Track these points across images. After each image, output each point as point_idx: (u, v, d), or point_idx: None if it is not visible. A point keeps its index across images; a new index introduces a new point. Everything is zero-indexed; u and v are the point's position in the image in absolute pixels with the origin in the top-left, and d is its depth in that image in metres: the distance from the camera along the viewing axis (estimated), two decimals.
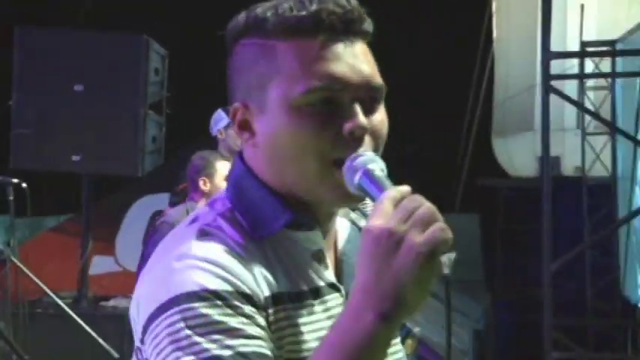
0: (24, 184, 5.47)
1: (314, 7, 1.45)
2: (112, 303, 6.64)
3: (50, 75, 6.26)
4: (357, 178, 1.42)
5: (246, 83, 1.51)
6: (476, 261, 9.31)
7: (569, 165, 9.18)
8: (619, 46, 8.69)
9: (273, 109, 1.47)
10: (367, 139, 1.45)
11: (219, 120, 5.95)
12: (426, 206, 1.32)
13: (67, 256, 7.02)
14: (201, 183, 5.42)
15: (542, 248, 6.56)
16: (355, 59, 1.46)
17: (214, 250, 1.43)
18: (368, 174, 1.41)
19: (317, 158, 1.45)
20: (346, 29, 1.46)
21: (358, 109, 1.45)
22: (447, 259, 1.30)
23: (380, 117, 1.48)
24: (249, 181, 1.53)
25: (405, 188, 1.36)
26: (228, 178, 1.60)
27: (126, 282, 7.52)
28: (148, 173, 6.57)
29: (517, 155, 9.58)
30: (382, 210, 1.33)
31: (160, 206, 6.91)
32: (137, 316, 1.47)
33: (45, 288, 5.74)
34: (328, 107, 1.44)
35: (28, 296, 6.08)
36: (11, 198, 5.42)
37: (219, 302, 1.37)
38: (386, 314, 1.31)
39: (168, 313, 1.38)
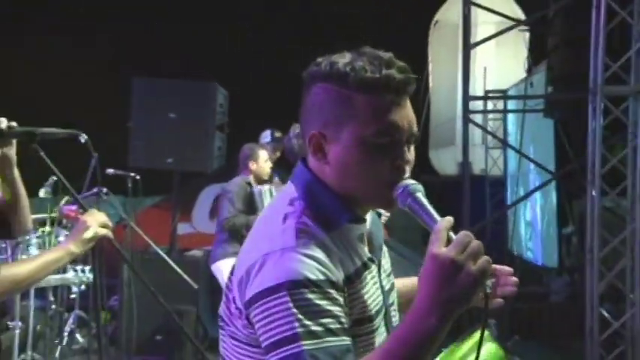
0: (137, 177, 5.46)
1: (384, 71, 1.35)
2: (191, 253, 6.60)
3: (155, 107, 6.23)
4: (408, 200, 1.35)
5: (324, 118, 1.37)
6: (419, 230, 9.30)
7: (477, 168, 9.19)
8: (508, 93, 8.71)
9: (347, 141, 1.35)
10: (407, 168, 1.38)
11: (265, 137, 5.95)
12: (475, 242, 1.25)
13: (161, 223, 6.95)
14: (250, 164, 5.43)
15: (461, 221, 6.56)
16: (408, 112, 1.38)
17: (310, 246, 1.30)
18: (415, 199, 1.35)
19: (376, 180, 1.36)
20: (404, 90, 1.37)
21: (406, 149, 1.38)
22: (490, 281, 1.27)
23: (413, 153, 1.41)
24: (319, 187, 1.39)
25: (450, 218, 1.29)
26: (294, 181, 1.42)
27: (199, 239, 7.50)
28: (214, 170, 6.56)
29: (444, 161, 9.58)
30: (442, 239, 1.25)
31: (220, 191, 6.87)
32: (238, 287, 1.32)
33: (152, 243, 5.71)
34: (388, 146, 1.35)
35: (138, 248, 6.07)
36: (130, 185, 5.41)
37: (316, 289, 1.26)
38: (443, 320, 1.24)
39: (281, 294, 1.25)
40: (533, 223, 8.47)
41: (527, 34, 8.24)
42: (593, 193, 4.81)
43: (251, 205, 5.21)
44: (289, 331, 1.24)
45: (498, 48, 9.15)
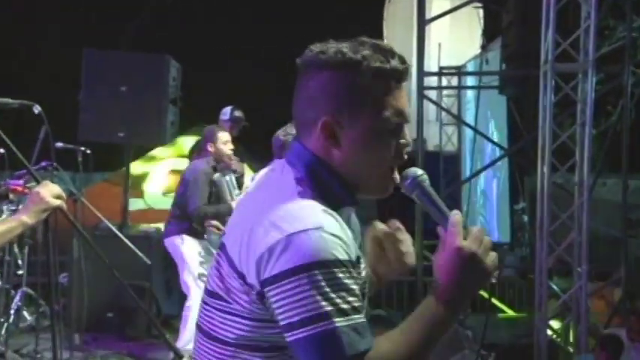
0: (88, 151, 5.41)
1: (392, 60, 1.42)
2: (143, 229, 6.59)
3: (105, 79, 6.18)
4: (416, 191, 1.46)
5: (337, 105, 1.39)
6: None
7: (431, 144, 9.30)
8: (463, 70, 8.84)
9: (363, 127, 1.38)
10: (407, 150, 1.47)
11: (224, 114, 5.93)
12: (488, 238, 1.39)
13: (112, 198, 6.92)
14: (208, 146, 5.43)
15: None
16: (407, 99, 1.46)
17: (335, 225, 1.31)
18: (424, 190, 1.48)
19: (382, 164, 1.41)
20: (405, 78, 1.44)
21: (407, 131, 1.45)
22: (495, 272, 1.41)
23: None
24: (325, 169, 1.40)
25: (458, 212, 1.43)
26: (292, 161, 1.42)
27: (151, 215, 7.48)
28: (167, 144, 6.54)
29: None
30: (458, 232, 1.37)
31: (174, 165, 6.86)
32: (256, 265, 1.30)
33: (103, 218, 5.70)
34: (397, 129, 1.41)
35: (89, 224, 6.03)
36: (80, 159, 5.36)
37: (344, 268, 1.28)
38: (459, 307, 1.37)
39: (312, 272, 1.26)
40: (486, 200, 8.66)
41: (482, 11, 8.35)
42: (544, 169, 4.97)
43: (216, 194, 5.25)
44: (321, 308, 1.25)
45: (453, 24, 9.25)
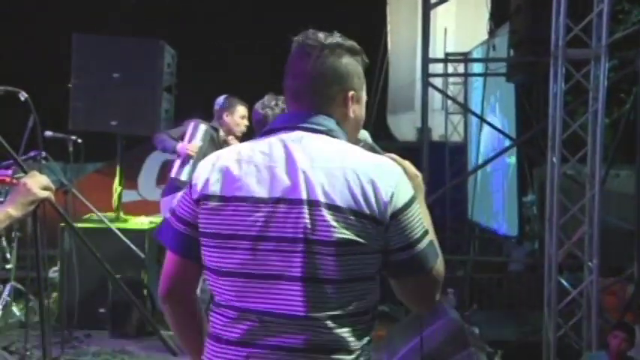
0: (79, 140, 5.39)
1: None
2: (135, 220, 6.58)
3: (97, 66, 6.15)
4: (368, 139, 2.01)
5: (354, 83, 1.80)
6: None
7: (436, 134, 9.28)
8: (469, 56, 8.81)
9: (361, 101, 1.84)
10: None
11: (218, 104, 5.90)
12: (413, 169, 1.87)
13: (104, 190, 6.89)
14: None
15: None
16: None
17: None
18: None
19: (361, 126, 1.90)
20: None
21: None
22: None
23: None
24: (341, 132, 1.76)
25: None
26: (330, 128, 1.76)
27: (145, 207, 7.46)
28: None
29: (403, 127, 9.64)
30: (405, 162, 1.84)
31: (168, 157, 6.83)
32: (384, 204, 1.65)
33: (95, 210, 5.69)
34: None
35: (80, 215, 6.02)
36: (71, 149, 5.34)
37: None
38: None
39: (413, 204, 1.69)
40: (494, 191, 8.65)
41: None
42: (553, 159, 4.95)
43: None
44: (424, 228, 1.71)
45: (459, 8, 9.21)
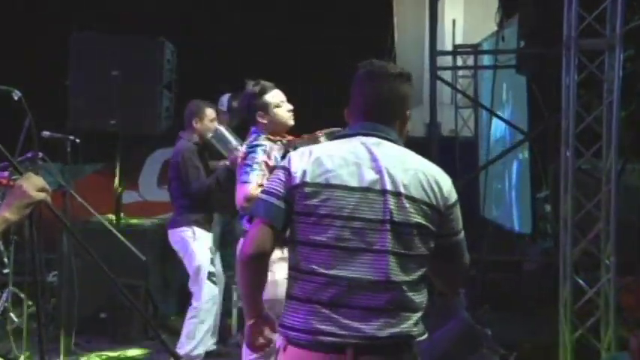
0: (77, 140, 5.39)
1: None
2: (137, 223, 6.58)
3: (95, 64, 6.18)
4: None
5: (409, 105, 2.42)
6: None
7: (446, 128, 9.25)
8: (479, 48, 8.78)
9: (410, 117, 2.44)
10: None
11: (221, 104, 5.89)
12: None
13: (104, 191, 6.91)
14: (194, 122, 5.37)
15: None
16: None
17: None
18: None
19: None
20: None
21: None
22: None
23: None
24: (401, 141, 2.38)
25: None
26: (394, 139, 2.33)
27: (146, 209, 7.47)
28: (162, 132, 6.52)
29: (411, 121, 9.64)
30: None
31: (169, 156, 6.81)
32: (447, 196, 2.26)
33: (94, 212, 5.69)
34: None
35: (79, 218, 6.02)
36: (69, 149, 5.34)
37: None
38: None
39: (458, 203, 2.30)
40: (506, 188, 8.62)
41: None
42: (567, 153, 4.92)
43: (211, 154, 5.21)
44: (461, 224, 2.31)
45: None
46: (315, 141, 3.43)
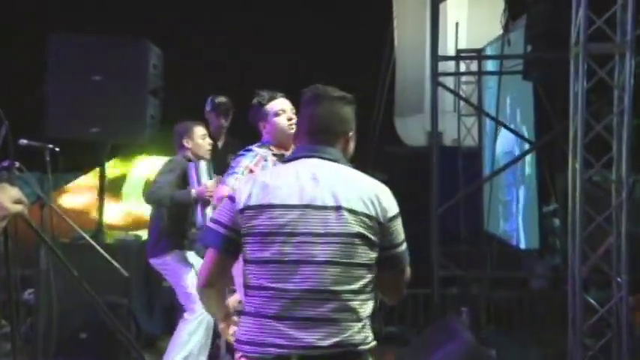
0: (57, 149, 5.39)
1: None
2: (121, 237, 6.56)
3: (75, 68, 6.17)
4: None
5: (351, 126, 2.70)
6: None
7: (448, 138, 9.27)
8: (483, 53, 8.80)
9: (353, 138, 2.73)
10: None
11: (207, 105, 5.93)
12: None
13: (85, 203, 6.90)
14: (185, 142, 5.46)
15: (431, 197, 6.65)
16: None
17: None
18: None
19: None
20: None
21: None
22: None
23: None
24: (344, 160, 2.64)
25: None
26: (338, 158, 2.63)
27: (131, 222, 7.47)
28: (147, 141, 6.53)
29: (411, 130, 9.65)
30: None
31: (154, 166, 6.84)
32: (387, 210, 2.50)
33: (75, 226, 5.68)
34: None
35: (59, 233, 6.00)
36: (48, 159, 5.34)
37: None
38: None
39: (399, 217, 2.54)
40: (512, 200, 8.63)
41: None
42: (576, 164, 4.93)
43: (184, 180, 5.26)
44: (403, 237, 2.57)
45: (472, 1, 9.22)
46: None
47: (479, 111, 8.60)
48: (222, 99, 6.05)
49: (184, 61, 7.99)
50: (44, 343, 5.46)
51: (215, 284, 2.62)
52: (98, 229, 6.42)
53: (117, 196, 8.09)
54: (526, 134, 7.48)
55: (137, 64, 6.22)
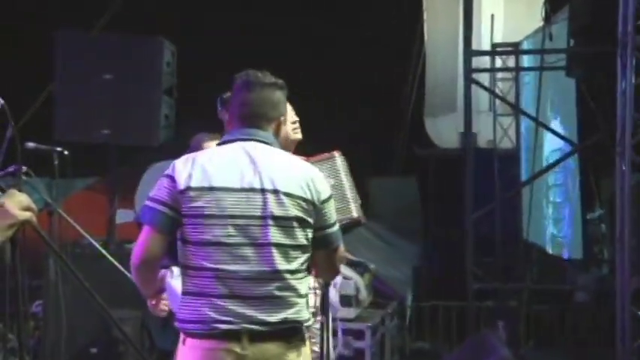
0: (65, 152, 5.43)
1: None
2: (132, 246, 6.60)
3: (85, 67, 6.21)
4: None
5: (283, 110, 2.97)
6: (415, 214, 9.41)
7: (482, 139, 9.24)
8: (521, 47, 8.77)
9: (286, 122, 3.15)
10: None
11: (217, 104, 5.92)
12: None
13: (95, 210, 6.95)
14: None
15: (464, 203, 6.64)
16: None
17: None
18: None
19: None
20: None
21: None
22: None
23: None
24: (277, 144, 2.92)
25: None
26: (272, 142, 2.88)
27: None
28: (161, 144, 6.56)
29: (443, 131, 9.63)
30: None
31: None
32: (315, 186, 2.80)
33: (85, 234, 5.71)
34: None
35: (68, 240, 6.05)
36: (56, 163, 5.38)
37: None
38: None
39: (332, 199, 2.89)
40: (553, 207, 8.58)
41: None
42: (623, 167, 4.90)
43: None
44: (335, 218, 2.90)
45: None
46: (332, 161, 3.55)
47: (516, 110, 8.57)
48: (230, 94, 6.05)
49: (200, 58, 8.02)
50: (53, 358, 5.51)
51: (151, 262, 2.79)
52: (109, 237, 6.46)
53: (129, 202, 8.12)
54: (568, 135, 7.43)
55: (150, 63, 6.27)
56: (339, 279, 6.40)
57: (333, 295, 5.33)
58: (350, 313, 6.14)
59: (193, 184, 2.70)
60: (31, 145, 5.14)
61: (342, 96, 9.30)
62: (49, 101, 6.31)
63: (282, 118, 2.96)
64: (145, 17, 7.94)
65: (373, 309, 6.61)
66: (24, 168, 4.67)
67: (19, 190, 2.34)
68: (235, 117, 2.92)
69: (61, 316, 5.50)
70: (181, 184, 2.70)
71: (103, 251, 5.60)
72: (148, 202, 2.78)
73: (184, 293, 2.76)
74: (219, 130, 5.80)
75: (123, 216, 7.37)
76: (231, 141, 2.86)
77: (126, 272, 5.56)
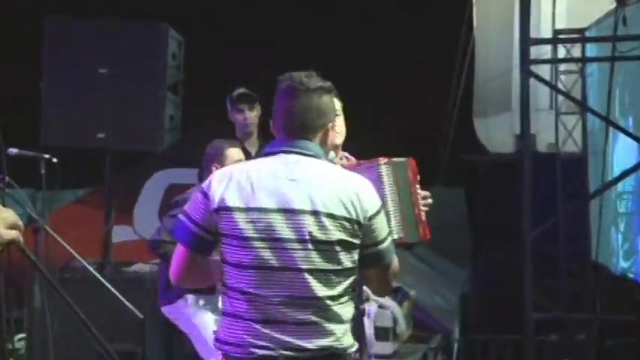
0: (54, 160, 5.47)
1: None
2: (133, 268, 6.64)
3: (77, 59, 6.24)
4: None
5: (331, 117, 3.10)
6: (463, 231, 9.38)
7: (543, 142, 9.20)
8: (588, 34, 8.73)
9: (334, 127, 3.20)
10: None
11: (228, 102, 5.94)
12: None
13: (88, 227, 7.00)
14: (213, 168, 5.46)
15: (522, 218, 6.62)
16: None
17: None
18: None
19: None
20: None
21: None
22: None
23: None
24: (324, 155, 3.08)
25: None
26: (316, 154, 3.01)
27: (143, 250, 7.52)
28: (164, 149, 6.57)
29: (496, 133, 9.59)
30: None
31: (175, 179, 6.92)
32: (360, 203, 2.93)
33: (76, 254, 5.75)
34: None
35: (56, 262, 6.09)
36: (43, 172, 5.42)
37: None
38: None
39: (382, 212, 3.04)
40: (628, 222, 8.53)
41: None
42: None
43: None
44: (387, 230, 3.07)
45: None
46: (372, 171, 3.67)
47: (582, 108, 8.54)
48: (240, 90, 6.03)
49: (210, 50, 8.05)
50: None
51: (187, 280, 3.12)
52: (105, 258, 6.49)
53: (127, 217, 8.17)
54: None
55: (153, 55, 6.30)
56: (373, 308, 6.40)
57: (367, 327, 5.33)
58: (386, 348, 6.13)
59: (228, 203, 2.91)
60: (13, 151, 5.18)
61: (376, 95, 9.33)
62: (35, 99, 6.34)
63: (329, 125, 3.10)
64: (147, 0, 7.99)
65: (413, 344, 6.60)
66: (6, 178, 4.72)
67: (3, 205, 2.36)
68: (279, 127, 3.06)
69: (49, 351, 5.54)
70: (215, 202, 2.92)
71: (98, 275, 5.64)
72: (181, 217, 3.03)
73: (224, 313, 3.01)
74: (230, 133, 5.87)
75: (120, 234, 7.43)
76: (274, 153, 3.04)
77: (123, 300, 5.61)
